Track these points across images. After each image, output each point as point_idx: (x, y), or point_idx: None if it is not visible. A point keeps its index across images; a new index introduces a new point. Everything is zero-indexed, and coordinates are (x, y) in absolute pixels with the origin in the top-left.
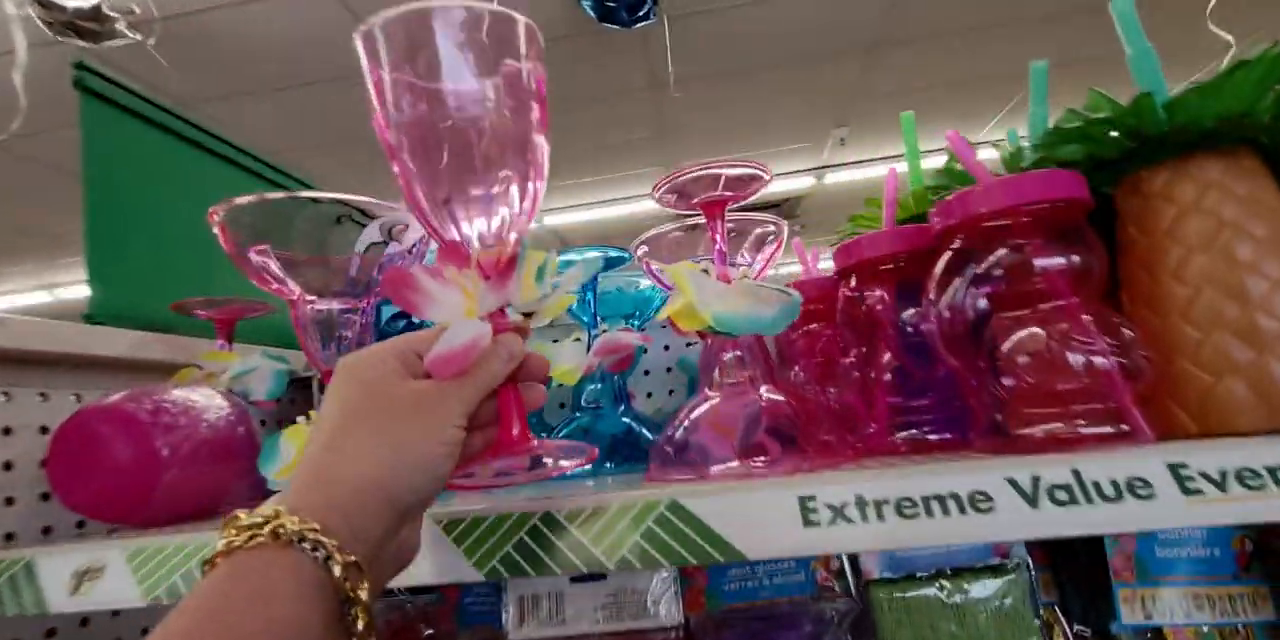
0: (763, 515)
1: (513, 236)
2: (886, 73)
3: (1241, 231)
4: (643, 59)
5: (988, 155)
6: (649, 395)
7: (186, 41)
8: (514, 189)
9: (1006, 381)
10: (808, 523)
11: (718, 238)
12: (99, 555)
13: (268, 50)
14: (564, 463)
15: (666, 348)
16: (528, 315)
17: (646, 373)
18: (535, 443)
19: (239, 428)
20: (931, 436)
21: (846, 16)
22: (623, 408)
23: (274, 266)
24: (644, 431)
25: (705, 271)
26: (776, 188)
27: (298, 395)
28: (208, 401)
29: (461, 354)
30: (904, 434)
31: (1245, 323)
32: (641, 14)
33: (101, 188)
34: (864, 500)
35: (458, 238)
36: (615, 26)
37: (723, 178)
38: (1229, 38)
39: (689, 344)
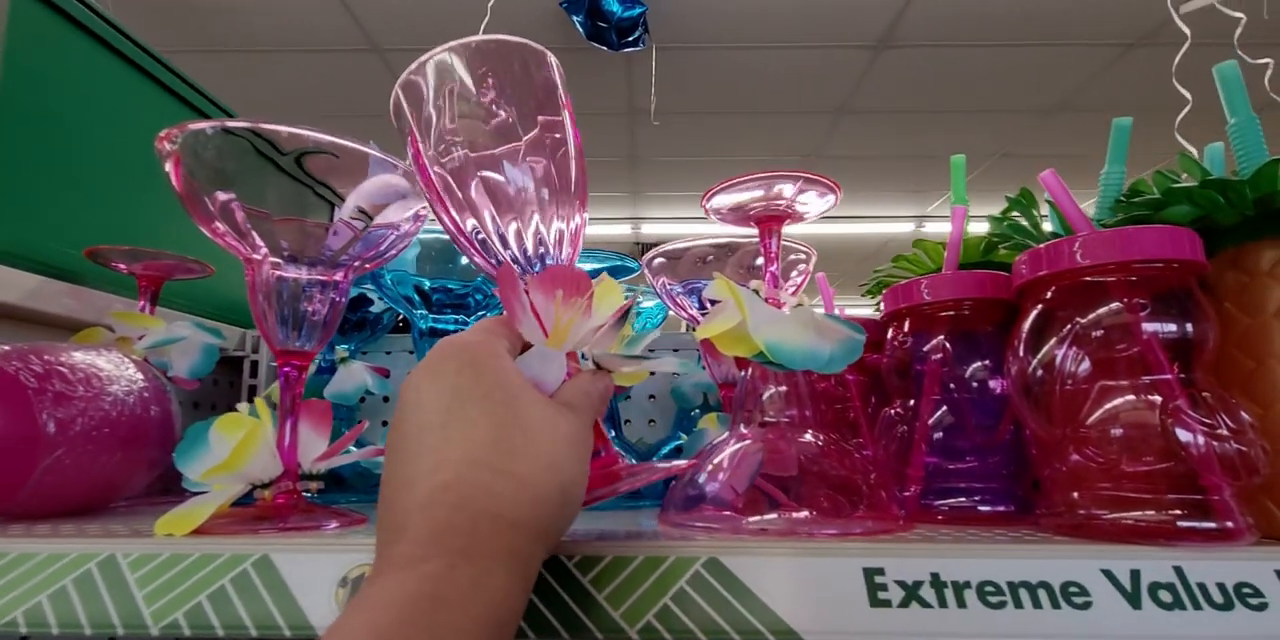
0: (820, 587)
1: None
2: (847, 137)
3: None
4: (624, 84)
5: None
6: (627, 422)
7: None
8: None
9: (1085, 457)
10: (876, 601)
11: (774, 256)
12: None
13: (234, 9)
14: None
15: (652, 373)
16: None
17: (628, 397)
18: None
19: (153, 407)
20: (983, 508)
21: (822, 77)
22: (613, 434)
23: (240, 217)
24: (633, 462)
25: (756, 292)
26: (728, 230)
27: (221, 376)
28: (116, 370)
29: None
30: (949, 501)
31: None
32: (631, 40)
33: (19, 101)
34: (941, 580)
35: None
36: (601, 48)
37: (788, 191)
38: None
39: (676, 373)
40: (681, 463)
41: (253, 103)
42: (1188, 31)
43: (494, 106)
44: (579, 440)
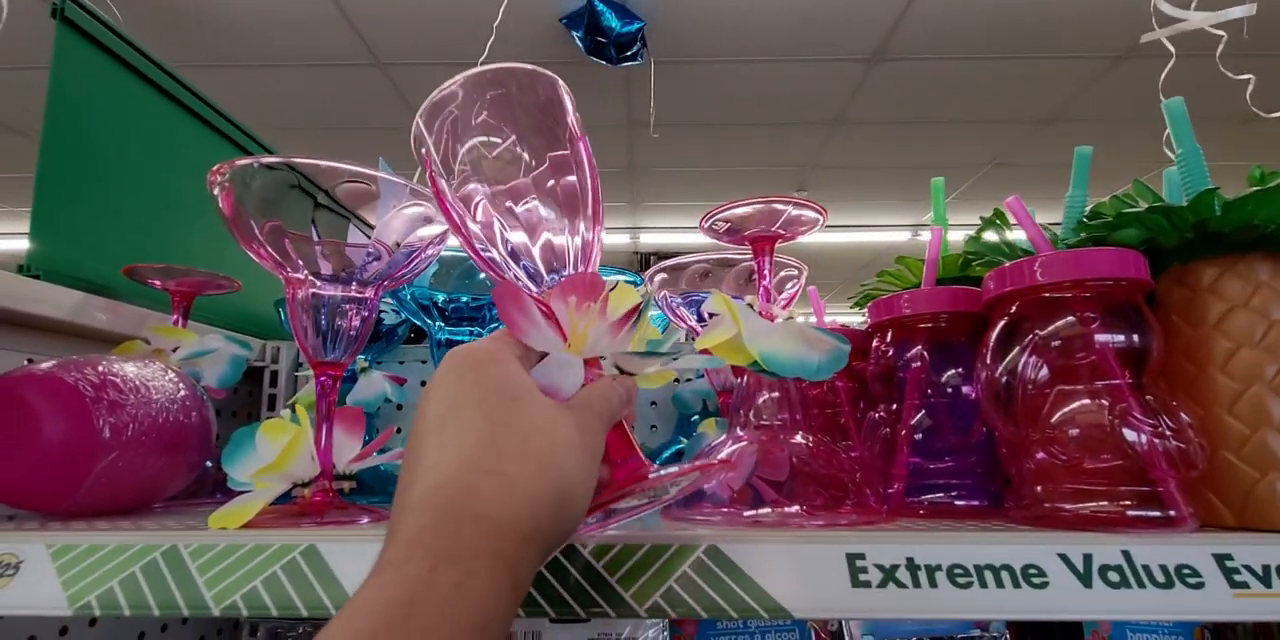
0: (808, 570)
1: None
2: (843, 147)
3: None
4: (623, 97)
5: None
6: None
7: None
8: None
9: (1050, 454)
10: (857, 583)
11: (767, 274)
12: (16, 547)
13: (239, 25)
14: (679, 488)
15: (677, 379)
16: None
17: None
18: (653, 472)
19: (193, 414)
20: (959, 503)
21: (818, 90)
22: None
23: (286, 241)
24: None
25: (750, 306)
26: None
27: (243, 385)
28: (161, 380)
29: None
30: (929, 497)
31: None
32: (630, 54)
33: (62, 129)
34: (915, 564)
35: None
36: (601, 62)
37: (780, 214)
38: None
39: (678, 380)
40: (682, 470)
41: (261, 116)
42: (1172, 49)
43: (504, 132)
44: (583, 442)
